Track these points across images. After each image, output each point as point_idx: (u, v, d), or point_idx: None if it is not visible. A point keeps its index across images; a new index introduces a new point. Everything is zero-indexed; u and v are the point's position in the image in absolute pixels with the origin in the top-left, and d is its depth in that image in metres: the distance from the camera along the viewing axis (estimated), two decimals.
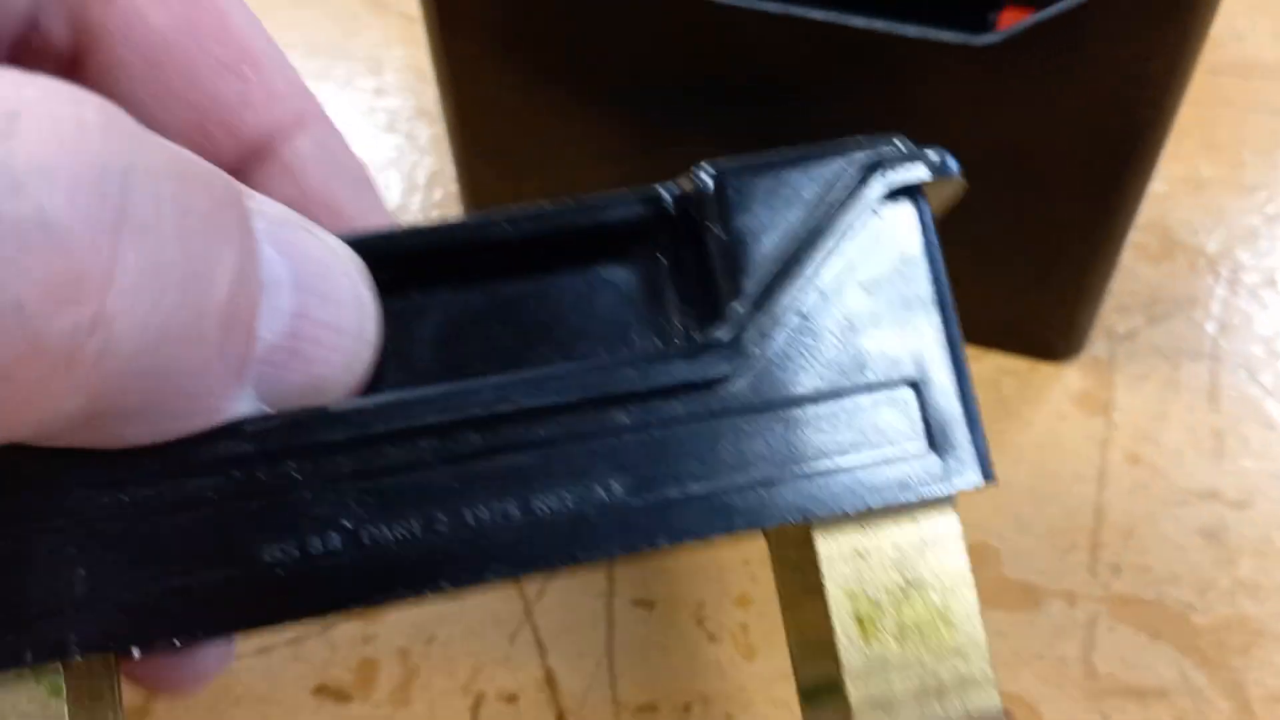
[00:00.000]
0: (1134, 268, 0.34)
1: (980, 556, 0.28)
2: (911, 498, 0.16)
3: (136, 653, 0.14)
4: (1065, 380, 0.31)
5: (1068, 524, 0.28)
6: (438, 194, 0.36)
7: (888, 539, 0.17)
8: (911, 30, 0.25)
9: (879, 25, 0.26)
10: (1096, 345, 0.32)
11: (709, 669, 0.26)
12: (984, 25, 0.31)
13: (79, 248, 0.11)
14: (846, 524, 0.16)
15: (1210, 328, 0.32)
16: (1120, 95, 0.25)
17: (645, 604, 0.27)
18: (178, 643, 0.14)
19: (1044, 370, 0.31)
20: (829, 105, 0.28)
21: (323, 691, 0.26)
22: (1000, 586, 0.27)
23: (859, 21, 0.26)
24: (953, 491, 0.17)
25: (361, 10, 0.41)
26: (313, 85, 0.20)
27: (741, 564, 0.28)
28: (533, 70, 0.30)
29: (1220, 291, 0.33)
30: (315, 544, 0.15)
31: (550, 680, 0.26)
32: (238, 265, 0.13)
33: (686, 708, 0.26)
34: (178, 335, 0.12)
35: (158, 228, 0.11)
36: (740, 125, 0.29)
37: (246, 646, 0.27)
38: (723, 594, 0.27)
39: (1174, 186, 0.36)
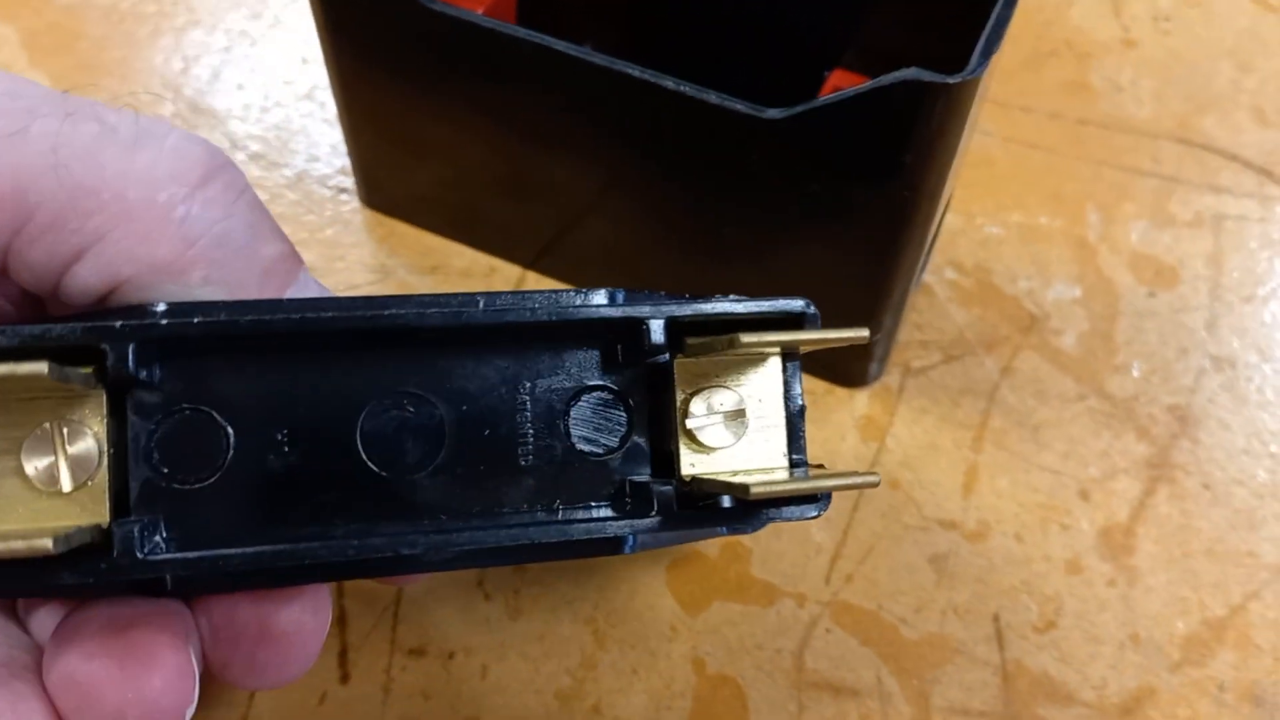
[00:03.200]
0: (947, 307, 0.37)
1: (733, 554, 0.32)
2: None
3: None
4: (854, 406, 0.35)
5: (819, 536, 0.32)
6: (337, 163, 0.39)
7: None
8: (712, 98, 0.29)
9: (686, 89, 0.29)
10: (891, 376, 0.35)
11: (478, 624, 0.31)
12: (816, 84, 0.34)
13: None
14: None
15: (996, 374, 0.36)
16: (881, 176, 0.29)
17: None
18: None
19: (839, 394, 0.35)
20: (661, 146, 0.31)
21: None
22: (745, 583, 0.32)
23: (669, 83, 0.29)
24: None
25: None
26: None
27: None
28: (413, 87, 0.33)
29: (1017, 340, 0.36)
30: None
31: (342, 618, 0.31)
32: None
33: (450, 655, 0.30)
34: None
35: None
36: (595, 150, 0.32)
37: None
38: None
39: (1010, 231, 0.39)
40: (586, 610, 0.31)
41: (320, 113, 0.41)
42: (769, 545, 0.32)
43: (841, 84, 0.33)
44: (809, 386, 0.35)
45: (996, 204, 0.40)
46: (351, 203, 0.38)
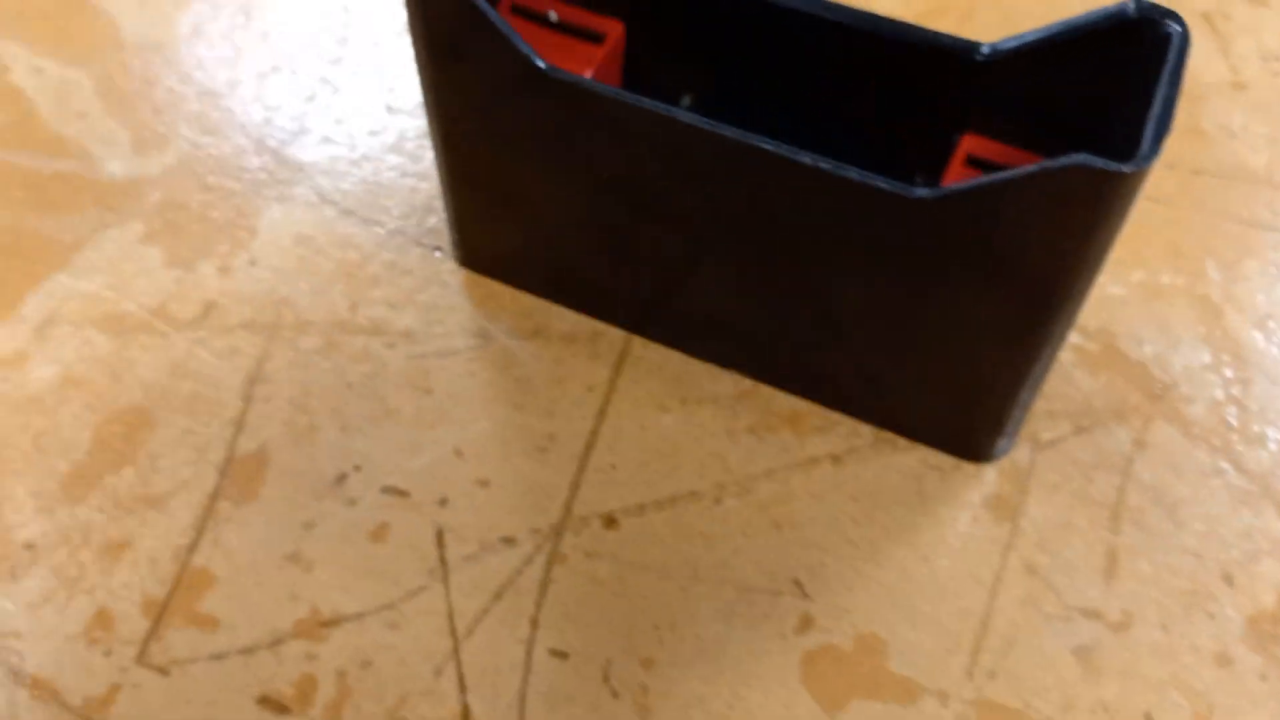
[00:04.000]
0: (1073, 373, 0.36)
1: (869, 647, 0.31)
2: None
3: None
4: (984, 482, 0.33)
5: (957, 625, 0.31)
6: (431, 220, 0.38)
7: None
8: (853, 175, 0.27)
9: (825, 166, 0.27)
10: (1020, 449, 0.34)
11: None
12: (941, 147, 0.32)
13: None
14: None
15: (1129, 446, 0.34)
16: (1035, 260, 0.27)
17: (560, 654, 0.30)
18: None
19: (966, 470, 0.34)
20: (784, 216, 0.30)
21: (265, 702, 0.29)
22: (882, 678, 0.30)
23: (805, 159, 0.27)
24: None
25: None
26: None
27: (652, 628, 0.31)
28: (518, 147, 0.32)
29: (1147, 410, 0.35)
30: None
31: (466, 715, 0.29)
32: None
33: None
34: None
35: None
36: (707, 216, 0.31)
37: (200, 650, 0.30)
38: (631, 653, 0.30)
39: (1131, 291, 0.38)
40: (719, 709, 0.30)
41: (410, 165, 0.39)
42: (905, 636, 0.31)
43: (976, 151, 0.31)
44: (934, 461, 0.34)
45: (1116, 260, 0.38)
46: (447, 263, 0.37)
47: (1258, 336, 0.37)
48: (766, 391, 0.35)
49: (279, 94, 0.41)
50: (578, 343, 0.36)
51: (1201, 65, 0.44)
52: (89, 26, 0.42)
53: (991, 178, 0.26)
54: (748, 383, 0.35)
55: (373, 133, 0.40)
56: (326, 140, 0.39)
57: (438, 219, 0.38)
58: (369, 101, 0.40)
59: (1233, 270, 0.38)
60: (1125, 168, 0.24)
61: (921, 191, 0.27)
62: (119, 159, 0.39)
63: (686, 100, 0.34)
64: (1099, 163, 0.24)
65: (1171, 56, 0.26)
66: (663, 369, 0.35)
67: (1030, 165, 0.25)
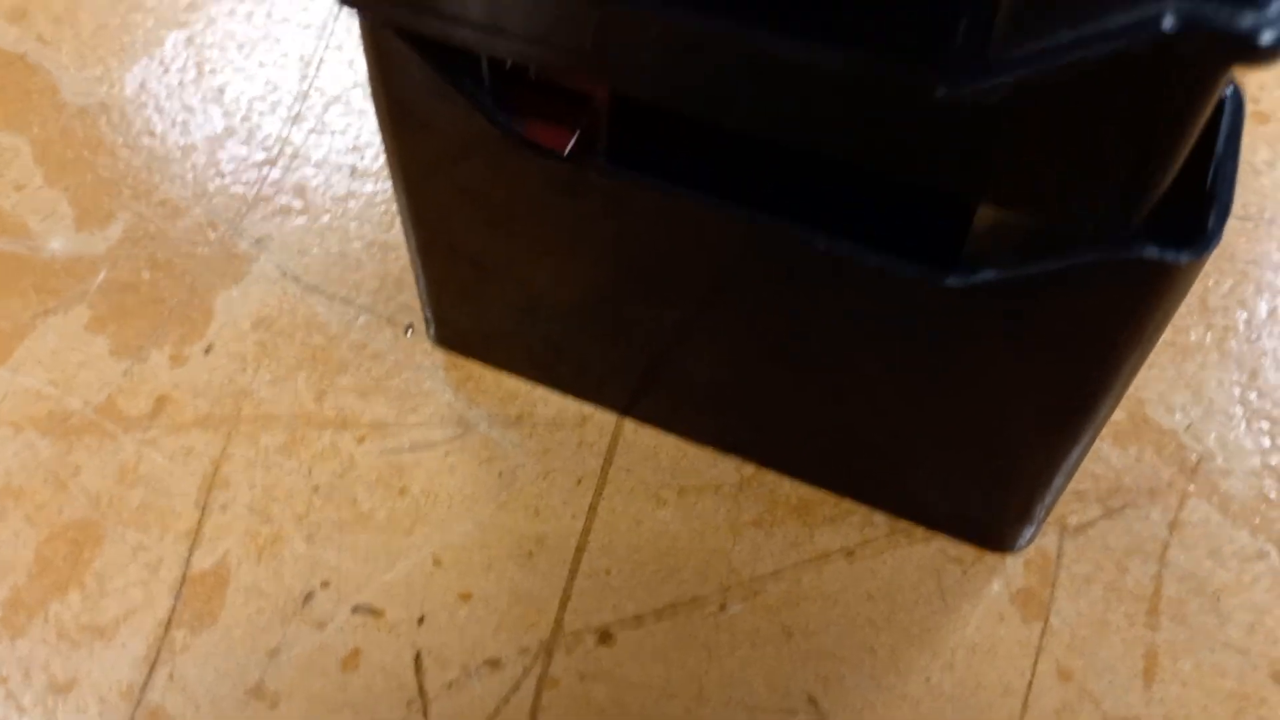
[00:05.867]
0: (1100, 447, 0.33)
1: None
2: None
3: None
4: (1008, 574, 0.31)
5: None
6: (404, 295, 0.35)
7: None
8: (873, 260, 0.25)
9: (843, 250, 0.25)
10: (1047, 536, 0.31)
11: None
12: (959, 217, 0.30)
13: None
14: None
15: (1164, 529, 0.32)
16: (1078, 351, 0.25)
17: None
18: None
19: (988, 561, 0.31)
20: (791, 297, 0.27)
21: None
22: None
23: (821, 242, 0.25)
24: None
25: None
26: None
27: None
28: (493, 220, 0.29)
29: (1182, 486, 0.32)
30: None
31: None
32: None
33: None
34: None
35: None
36: (704, 293, 0.28)
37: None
38: None
39: (1159, 351, 0.35)
40: None
41: (380, 234, 0.36)
42: None
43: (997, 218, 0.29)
44: (954, 552, 0.31)
45: None
46: (422, 342, 0.34)
47: None
48: (771, 478, 0.32)
49: (234, 158, 0.38)
50: (565, 429, 0.33)
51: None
52: (24, 85, 0.39)
53: (1032, 268, 0.23)
54: (750, 468, 0.32)
55: (338, 199, 0.37)
56: (287, 209, 0.36)
57: (411, 294, 0.35)
58: (333, 164, 0.37)
59: (1266, 324, 0.36)
60: (1183, 259, 0.22)
61: (952, 280, 0.24)
62: (61, 235, 0.36)
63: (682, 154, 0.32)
64: (1156, 252, 0.22)
65: (1228, 112, 0.24)
66: (658, 455, 0.33)
67: (1080, 254, 0.22)
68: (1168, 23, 0.17)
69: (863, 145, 0.23)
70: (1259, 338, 0.35)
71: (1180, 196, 0.23)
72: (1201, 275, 0.37)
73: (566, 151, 0.26)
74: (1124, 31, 0.18)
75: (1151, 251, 0.22)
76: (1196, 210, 0.23)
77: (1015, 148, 0.21)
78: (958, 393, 0.27)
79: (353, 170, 0.37)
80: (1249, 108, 0.41)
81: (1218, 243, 0.22)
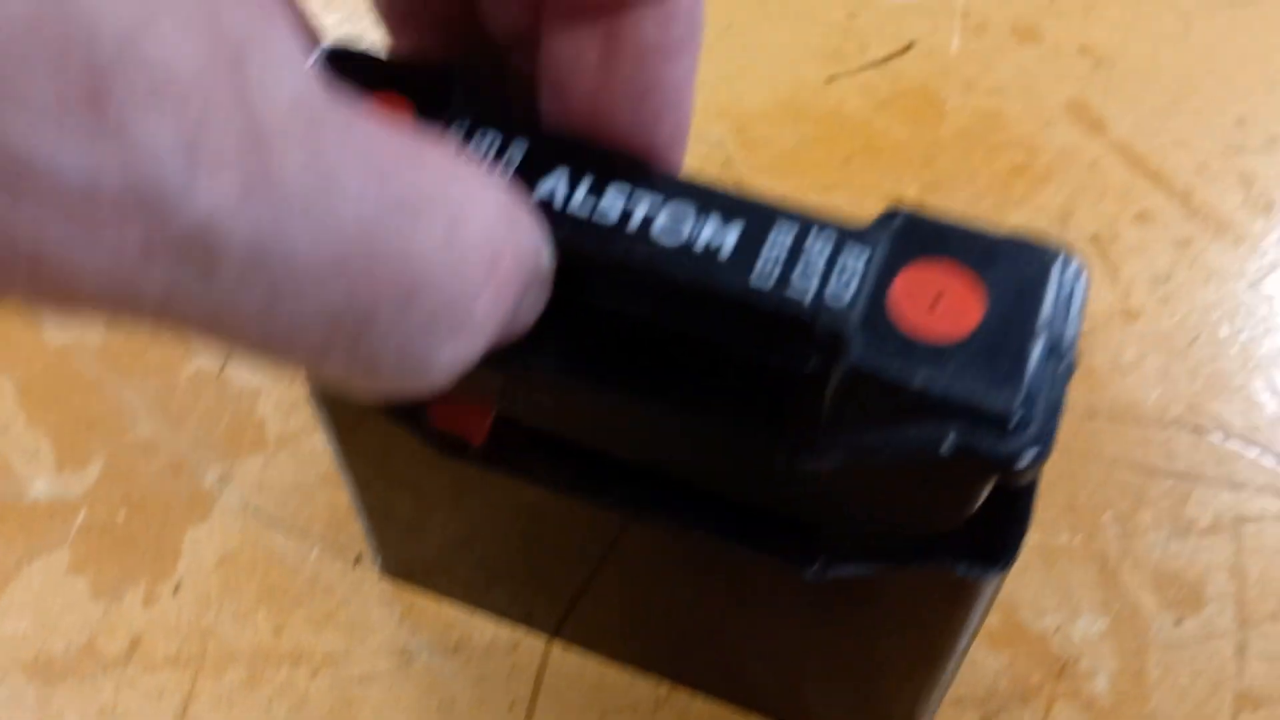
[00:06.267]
0: (975, 652, 0.37)
1: None
2: None
3: None
4: None
5: None
6: (353, 526, 0.39)
7: None
8: (743, 550, 0.29)
9: (716, 537, 0.29)
10: None
11: None
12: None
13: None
14: None
15: None
16: (921, 622, 0.29)
17: None
18: None
19: None
20: (677, 577, 0.31)
21: None
22: None
23: (698, 532, 0.29)
24: None
25: None
26: None
27: None
28: (418, 478, 0.33)
29: (1051, 689, 0.36)
30: None
31: None
32: None
33: None
34: None
35: None
36: (603, 549, 0.32)
37: None
38: None
39: (1031, 554, 0.39)
40: None
41: (330, 467, 0.40)
42: None
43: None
44: None
45: None
46: (370, 572, 0.38)
47: (1152, 600, 0.38)
48: (684, 697, 0.36)
49: (204, 392, 0.42)
50: (497, 656, 0.37)
51: (1092, 294, 0.45)
52: (8, 323, 0.43)
53: (865, 570, 0.27)
54: (665, 688, 0.36)
55: (291, 434, 0.41)
56: (256, 441, 0.40)
57: (358, 525, 0.39)
58: (290, 399, 0.41)
59: (1128, 524, 0.40)
60: (990, 575, 0.26)
61: (811, 574, 0.28)
62: (43, 477, 0.40)
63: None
64: (967, 570, 0.26)
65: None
66: (582, 677, 0.36)
67: (906, 560, 0.26)
68: (946, 447, 0.21)
69: (723, 483, 0.27)
70: (1123, 537, 0.39)
71: (999, 506, 0.28)
72: (1066, 477, 0.41)
73: (482, 440, 0.30)
74: (916, 445, 0.22)
75: (961, 568, 0.26)
76: (1010, 521, 0.27)
77: (844, 494, 0.25)
78: (829, 643, 0.31)
79: (307, 400, 0.41)
80: (1117, 305, 0.45)
81: (1015, 559, 0.26)
